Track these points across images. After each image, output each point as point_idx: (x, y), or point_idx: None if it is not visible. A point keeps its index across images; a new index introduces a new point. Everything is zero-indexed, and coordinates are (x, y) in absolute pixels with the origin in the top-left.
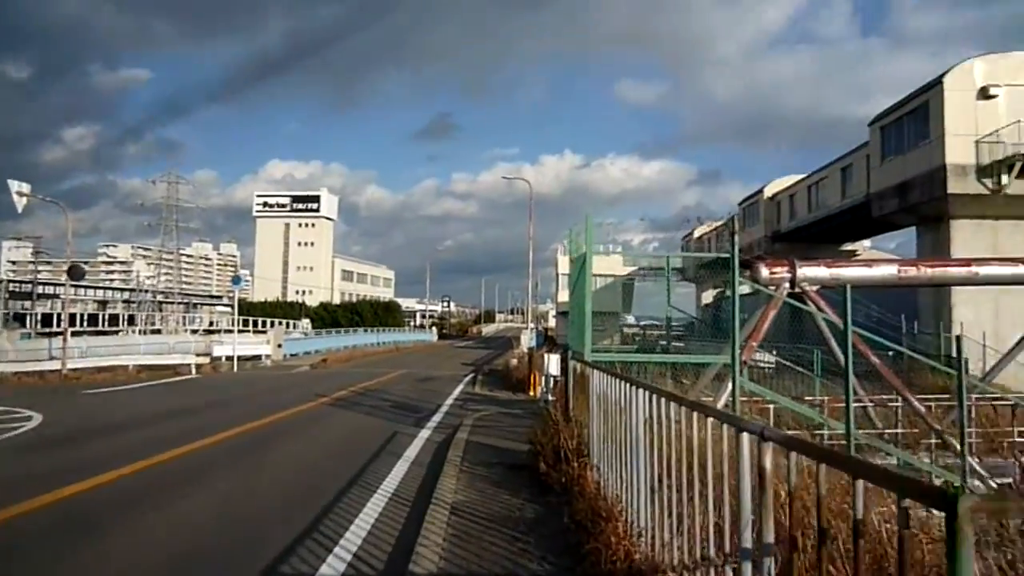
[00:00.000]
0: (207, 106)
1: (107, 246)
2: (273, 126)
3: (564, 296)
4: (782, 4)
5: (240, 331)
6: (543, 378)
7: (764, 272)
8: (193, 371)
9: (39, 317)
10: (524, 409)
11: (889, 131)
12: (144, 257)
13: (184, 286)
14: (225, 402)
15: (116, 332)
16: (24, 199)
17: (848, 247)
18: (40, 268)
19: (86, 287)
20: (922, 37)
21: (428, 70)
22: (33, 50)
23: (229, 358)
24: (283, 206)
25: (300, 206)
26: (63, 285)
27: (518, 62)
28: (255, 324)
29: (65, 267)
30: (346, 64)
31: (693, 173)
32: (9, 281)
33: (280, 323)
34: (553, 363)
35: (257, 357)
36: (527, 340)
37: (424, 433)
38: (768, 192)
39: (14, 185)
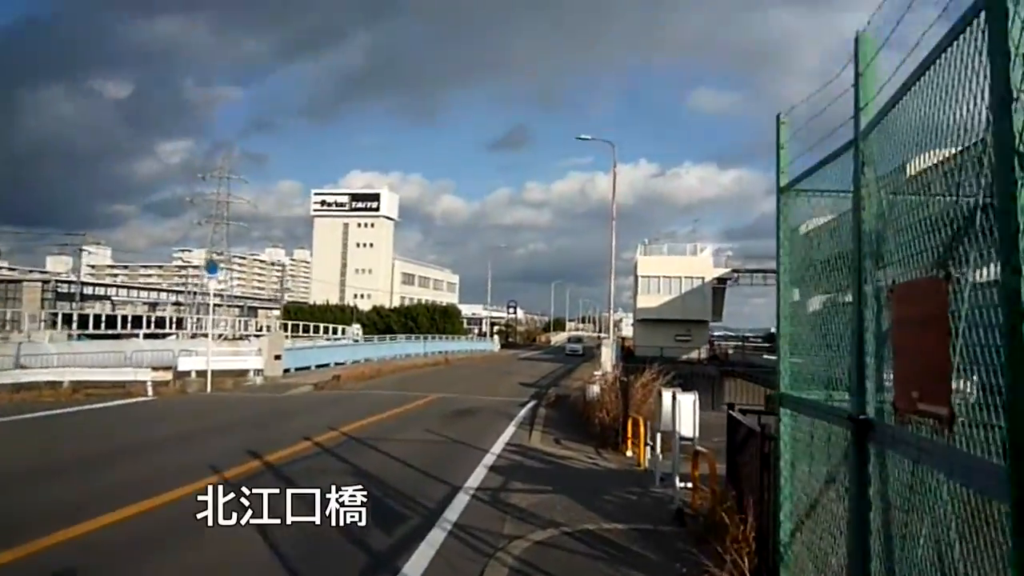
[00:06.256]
0: (293, 121)
1: (182, 251)
2: (355, 139)
3: (643, 302)
4: (860, 10)
5: (236, 338)
6: (652, 433)
7: None
8: (149, 391)
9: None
10: (626, 516)
11: None
12: (217, 262)
13: (257, 291)
14: (67, 469)
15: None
16: None
17: None
18: (117, 273)
19: (139, 288)
20: None
21: (504, 83)
22: (131, 69)
23: (201, 373)
24: (342, 205)
25: (359, 205)
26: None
27: (592, 73)
28: (303, 329)
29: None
30: (425, 79)
31: (771, 182)
32: (57, 282)
33: (318, 328)
34: (685, 411)
35: (245, 372)
36: (608, 356)
37: None
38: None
39: None
